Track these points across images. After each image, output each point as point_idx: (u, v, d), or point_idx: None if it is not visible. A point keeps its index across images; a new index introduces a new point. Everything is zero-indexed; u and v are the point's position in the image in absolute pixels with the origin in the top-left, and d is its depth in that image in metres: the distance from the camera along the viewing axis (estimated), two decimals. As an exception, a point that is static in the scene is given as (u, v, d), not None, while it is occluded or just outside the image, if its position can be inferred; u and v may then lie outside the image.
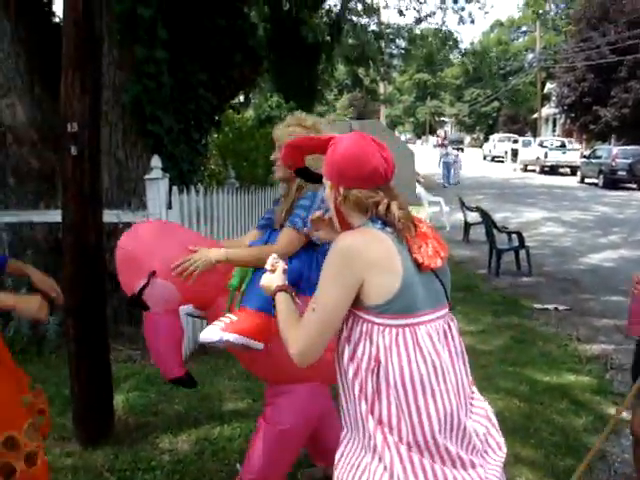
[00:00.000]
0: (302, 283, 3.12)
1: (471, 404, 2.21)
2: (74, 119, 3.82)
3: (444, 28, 26.95)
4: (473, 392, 2.25)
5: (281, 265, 2.37)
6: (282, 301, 2.23)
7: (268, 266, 2.38)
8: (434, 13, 25.18)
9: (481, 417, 2.21)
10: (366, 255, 2.01)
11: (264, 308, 2.98)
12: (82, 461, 3.96)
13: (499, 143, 43.72)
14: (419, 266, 2.06)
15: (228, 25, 6.73)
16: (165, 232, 3.24)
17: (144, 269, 3.01)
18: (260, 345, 2.98)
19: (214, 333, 2.91)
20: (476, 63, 62.74)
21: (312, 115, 3.38)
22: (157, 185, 5.36)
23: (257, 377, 3.53)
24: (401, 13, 34.74)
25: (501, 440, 2.23)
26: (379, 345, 2.04)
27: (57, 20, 7.11)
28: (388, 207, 2.10)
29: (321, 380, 3.22)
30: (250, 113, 13.05)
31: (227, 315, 3.00)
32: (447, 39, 28.59)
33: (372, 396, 2.06)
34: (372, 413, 2.06)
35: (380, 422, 2.05)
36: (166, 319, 3.15)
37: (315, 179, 2.52)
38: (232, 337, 2.92)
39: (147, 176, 5.42)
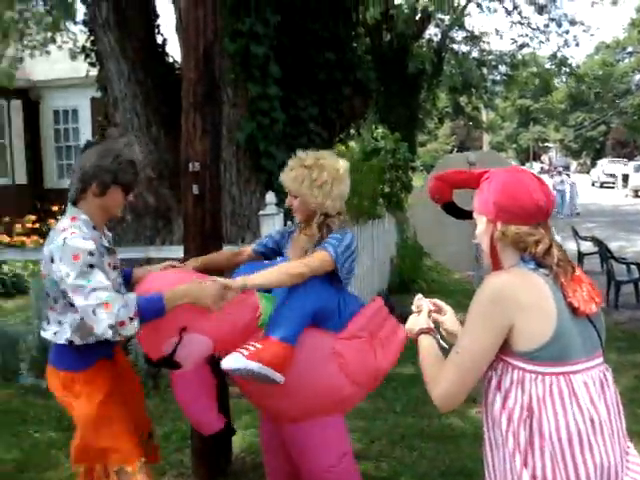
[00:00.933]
0: (330, 319, 3.04)
1: (627, 459, 2.04)
2: (196, 159, 3.87)
3: (558, 53, 26.31)
4: (629, 446, 2.08)
5: (426, 307, 2.29)
6: (426, 344, 2.16)
7: (414, 307, 2.32)
8: (542, 41, 24.54)
9: (637, 474, 2.04)
10: (517, 298, 1.90)
11: (287, 339, 2.86)
12: (201, 500, 3.95)
13: (608, 167, 42.13)
14: (574, 311, 1.94)
15: (337, 59, 6.76)
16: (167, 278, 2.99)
17: (171, 326, 2.77)
18: (281, 378, 2.83)
19: (238, 361, 2.76)
20: (579, 87, 61.13)
21: (315, 152, 3.22)
22: (272, 221, 5.39)
23: (274, 413, 3.24)
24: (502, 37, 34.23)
25: None
26: (532, 394, 1.91)
27: (171, 60, 7.35)
28: (549, 247, 1.99)
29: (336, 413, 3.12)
30: (354, 145, 13.08)
31: (251, 343, 2.84)
32: (562, 64, 27.90)
33: (525, 449, 1.93)
34: (526, 466, 1.93)
35: (534, 477, 1.91)
36: (197, 374, 3.01)
37: (463, 215, 2.42)
38: (256, 367, 2.77)
39: (262, 212, 5.45)
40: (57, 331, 2.89)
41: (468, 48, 24.04)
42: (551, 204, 2.03)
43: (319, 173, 3.06)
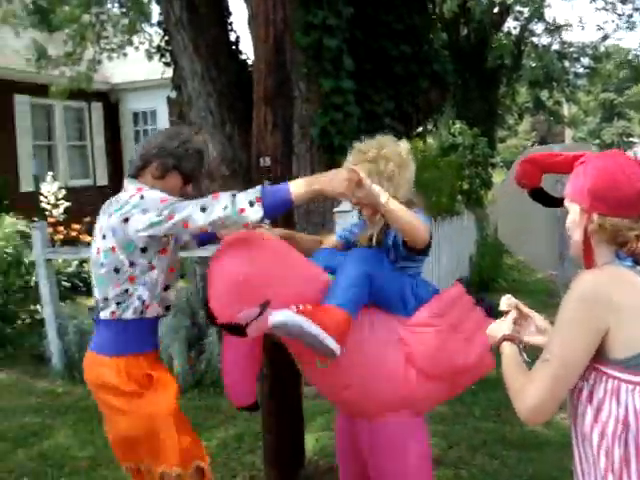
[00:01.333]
0: (394, 303, 2.74)
1: None
2: (267, 153, 3.77)
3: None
4: None
5: (512, 313, 2.10)
6: (509, 353, 1.97)
7: (504, 307, 2.13)
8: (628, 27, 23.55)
9: None
10: (613, 298, 1.71)
11: (343, 305, 2.57)
12: (273, 504, 3.85)
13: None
14: None
15: (413, 51, 6.57)
16: (277, 254, 2.73)
17: (255, 295, 2.54)
18: (336, 345, 2.50)
19: (286, 315, 2.48)
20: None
21: (376, 140, 2.87)
22: (348, 217, 5.25)
23: (342, 407, 3.00)
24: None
25: None
26: (628, 407, 1.72)
27: (244, 57, 7.30)
28: None
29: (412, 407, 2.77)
30: (431, 141, 12.85)
31: (302, 305, 2.55)
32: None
33: (619, 468, 1.72)
34: None
35: None
36: (249, 346, 2.86)
37: (552, 202, 2.22)
38: (305, 323, 2.46)
39: (337, 209, 5.33)
40: (122, 303, 2.67)
41: (549, 40, 23.33)
42: None
43: (385, 165, 2.78)
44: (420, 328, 2.71)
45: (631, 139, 70.27)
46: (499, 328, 2.08)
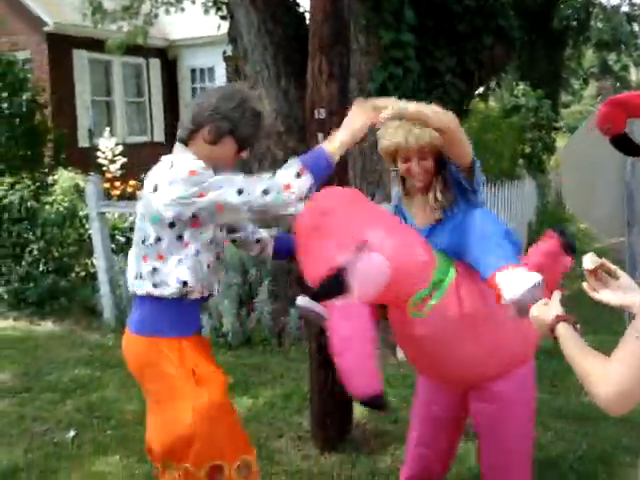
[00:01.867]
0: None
1: None
2: (321, 105, 3.62)
3: None
4: None
5: (557, 294, 1.88)
6: (568, 334, 1.73)
7: (588, 265, 1.83)
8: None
9: None
10: None
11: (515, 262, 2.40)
12: (318, 467, 3.77)
13: None
14: None
15: (478, 6, 6.26)
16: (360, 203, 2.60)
17: (348, 235, 2.33)
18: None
19: (528, 278, 2.27)
20: None
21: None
22: (403, 177, 5.08)
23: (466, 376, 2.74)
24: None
25: None
26: None
27: (302, 10, 7.10)
28: None
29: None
30: (492, 103, 12.47)
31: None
32: None
33: None
34: None
35: None
36: (364, 311, 2.43)
37: (637, 150, 2.03)
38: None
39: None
40: (157, 282, 2.39)
41: (618, 1, 22.42)
42: None
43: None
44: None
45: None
46: (547, 309, 1.85)
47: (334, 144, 2.42)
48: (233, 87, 2.64)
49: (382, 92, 5.73)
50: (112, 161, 12.92)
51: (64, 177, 9.24)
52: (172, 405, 2.37)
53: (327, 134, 3.57)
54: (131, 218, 10.32)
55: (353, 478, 3.64)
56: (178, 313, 2.43)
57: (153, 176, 2.43)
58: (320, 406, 3.93)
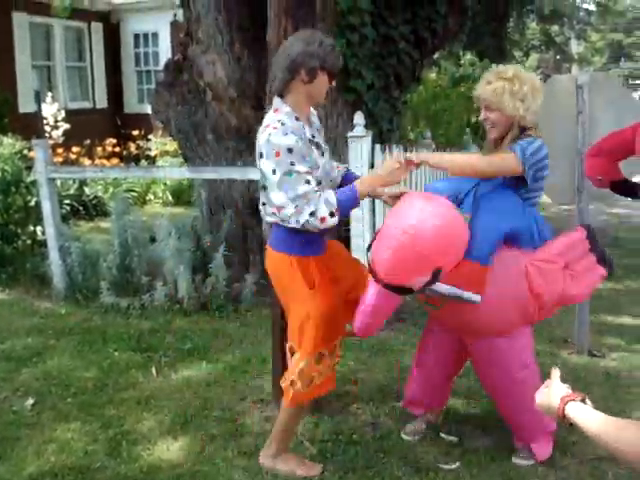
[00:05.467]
0: (523, 240, 3.11)
1: None
2: (286, 69, 3.59)
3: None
4: None
5: (555, 373, 1.85)
6: (581, 414, 1.65)
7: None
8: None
9: None
10: None
11: (481, 258, 2.95)
12: (282, 427, 3.81)
13: None
14: None
15: (432, -26, 6.28)
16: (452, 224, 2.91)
17: (428, 263, 2.81)
18: (477, 297, 2.97)
19: (445, 288, 2.92)
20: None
21: (512, 65, 3.28)
22: (360, 143, 5.11)
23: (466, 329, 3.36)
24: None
25: None
26: None
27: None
28: None
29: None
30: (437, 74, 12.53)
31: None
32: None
33: None
34: None
35: None
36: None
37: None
38: (444, 288, 2.92)
39: (350, 134, 5.17)
40: (273, 218, 3.08)
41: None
42: None
43: (520, 86, 3.06)
44: (543, 264, 3.09)
45: (637, 81, 69.45)
46: (550, 394, 1.77)
47: (365, 187, 3.02)
48: (307, 32, 3.11)
49: (339, 58, 5.73)
50: (54, 127, 12.62)
51: (5, 143, 8.99)
52: (294, 307, 3.16)
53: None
54: (75, 185, 10.18)
55: (317, 438, 3.70)
56: (304, 237, 3.05)
57: (259, 136, 3.01)
58: (283, 369, 3.96)
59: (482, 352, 3.33)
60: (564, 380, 1.83)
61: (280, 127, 2.88)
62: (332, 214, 2.89)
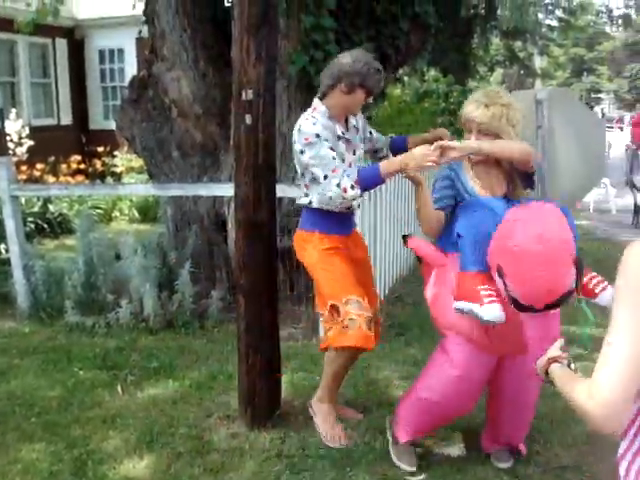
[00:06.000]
0: None
1: None
2: (249, 86, 3.63)
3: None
4: None
5: (559, 341, 1.95)
6: (561, 372, 1.79)
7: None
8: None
9: None
10: None
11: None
12: (248, 444, 3.81)
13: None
14: None
15: (395, -8, 6.34)
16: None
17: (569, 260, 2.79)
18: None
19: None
20: (636, 36, 58.70)
21: (499, 87, 3.40)
22: (324, 159, 5.15)
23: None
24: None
25: None
26: None
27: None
28: None
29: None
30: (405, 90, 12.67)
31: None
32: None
33: None
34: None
35: None
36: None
37: None
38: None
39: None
40: (304, 199, 3.63)
41: (523, -10, 23.01)
42: None
43: (515, 112, 3.18)
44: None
45: (599, 95, 70.69)
46: (546, 356, 1.90)
47: (394, 166, 3.32)
48: (359, 51, 3.59)
49: (303, 75, 5.78)
50: (18, 144, 12.51)
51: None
52: (314, 276, 3.69)
53: (254, 115, 3.63)
54: (39, 203, 10.07)
55: (283, 453, 3.71)
56: (323, 218, 3.62)
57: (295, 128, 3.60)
58: (249, 385, 3.97)
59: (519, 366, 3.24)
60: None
61: (310, 119, 3.48)
62: (352, 187, 3.31)
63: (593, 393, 1.49)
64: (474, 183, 3.24)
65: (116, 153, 13.66)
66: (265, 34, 3.64)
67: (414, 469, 3.49)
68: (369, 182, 3.39)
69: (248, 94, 3.63)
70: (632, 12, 29.57)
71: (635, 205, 11.95)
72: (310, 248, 3.63)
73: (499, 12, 21.23)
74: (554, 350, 1.90)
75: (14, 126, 12.51)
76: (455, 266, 3.13)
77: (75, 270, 6.10)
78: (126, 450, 3.78)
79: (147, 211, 11.04)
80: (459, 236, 3.07)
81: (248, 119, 3.65)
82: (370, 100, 3.65)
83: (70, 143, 14.53)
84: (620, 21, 29.72)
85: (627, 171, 11.48)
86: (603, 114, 50.77)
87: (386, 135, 4.09)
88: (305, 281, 5.78)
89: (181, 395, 4.49)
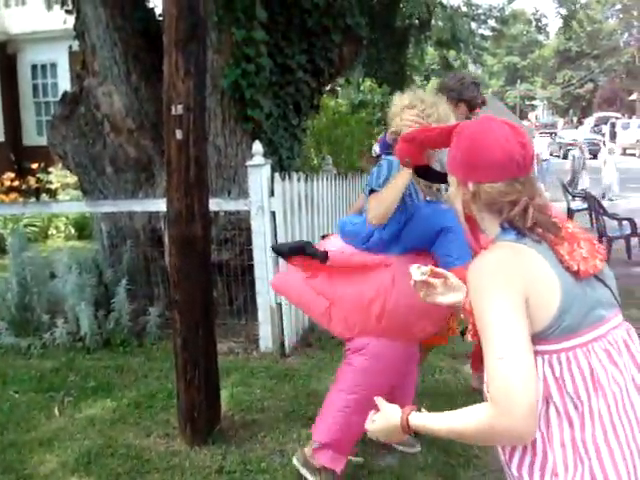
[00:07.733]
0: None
1: None
2: (179, 101, 3.61)
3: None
4: None
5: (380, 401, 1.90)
6: (422, 419, 1.73)
7: (417, 277, 2.06)
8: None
9: None
10: (518, 269, 1.59)
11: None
12: (189, 461, 3.77)
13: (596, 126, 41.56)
14: (576, 274, 1.62)
15: (327, 4, 6.41)
16: None
17: None
18: None
19: None
20: (567, 44, 60.41)
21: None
22: (259, 172, 5.16)
23: None
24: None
25: None
26: (548, 379, 1.61)
27: (151, 6, 7.01)
28: (525, 209, 1.66)
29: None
30: (340, 100, 12.75)
31: None
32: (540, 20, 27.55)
33: (542, 445, 1.62)
34: (543, 469, 1.63)
35: (555, 474, 1.61)
36: None
37: (439, 178, 2.20)
38: None
39: (249, 162, 5.21)
40: None
41: (458, 2, 23.55)
42: (529, 156, 1.68)
43: (437, 110, 3.12)
44: None
45: (533, 102, 72.43)
46: (385, 417, 1.82)
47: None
48: (457, 71, 4.17)
49: (235, 89, 5.78)
50: (-52, 162, 12.18)
51: None
52: None
53: (185, 130, 3.61)
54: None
55: (225, 469, 3.68)
56: None
57: None
58: (188, 401, 3.94)
59: None
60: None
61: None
62: None
63: (508, 407, 1.49)
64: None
65: (51, 169, 13.40)
66: (194, 48, 3.64)
67: None
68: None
69: (178, 109, 3.62)
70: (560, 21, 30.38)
71: (568, 209, 12.29)
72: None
73: (432, 22, 21.65)
74: (388, 406, 1.84)
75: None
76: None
77: (8, 290, 5.95)
78: (63, 473, 3.70)
79: (84, 228, 10.85)
80: (441, 231, 2.99)
81: (179, 134, 3.63)
82: (476, 116, 3.74)
83: (3, 160, 14.21)
84: (548, 29, 30.55)
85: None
86: (537, 120, 52.01)
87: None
88: (244, 295, 5.77)
89: (120, 415, 4.42)
